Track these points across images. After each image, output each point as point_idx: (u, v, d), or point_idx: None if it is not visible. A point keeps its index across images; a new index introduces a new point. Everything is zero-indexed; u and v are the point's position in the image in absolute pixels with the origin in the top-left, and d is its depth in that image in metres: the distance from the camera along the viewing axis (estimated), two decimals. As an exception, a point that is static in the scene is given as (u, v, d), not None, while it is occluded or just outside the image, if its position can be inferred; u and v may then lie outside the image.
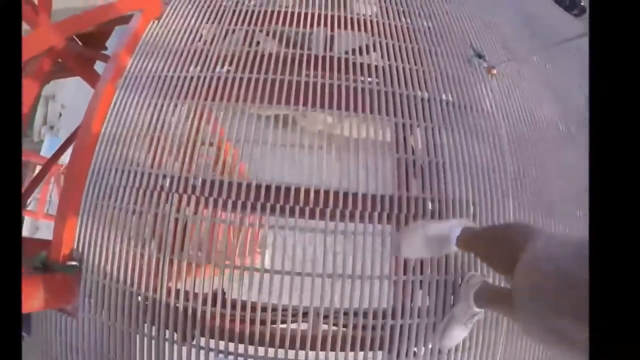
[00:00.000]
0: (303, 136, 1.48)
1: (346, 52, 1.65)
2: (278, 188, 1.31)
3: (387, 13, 1.78)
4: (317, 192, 1.33)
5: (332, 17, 1.74)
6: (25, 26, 1.74)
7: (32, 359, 1.60)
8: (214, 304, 1.30)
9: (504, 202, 1.61)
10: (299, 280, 1.32)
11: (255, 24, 1.69)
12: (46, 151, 5.07)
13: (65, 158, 2.68)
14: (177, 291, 1.31)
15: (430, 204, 1.44)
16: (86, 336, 1.44)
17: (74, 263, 1.39)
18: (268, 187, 1.31)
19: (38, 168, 4.66)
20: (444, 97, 1.60)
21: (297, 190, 1.33)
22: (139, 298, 1.35)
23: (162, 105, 1.45)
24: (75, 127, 2.50)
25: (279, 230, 1.32)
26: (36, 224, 4.95)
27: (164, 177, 1.33)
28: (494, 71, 1.72)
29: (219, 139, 1.42)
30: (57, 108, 5.48)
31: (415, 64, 1.62)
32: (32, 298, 1.34)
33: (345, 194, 1.35)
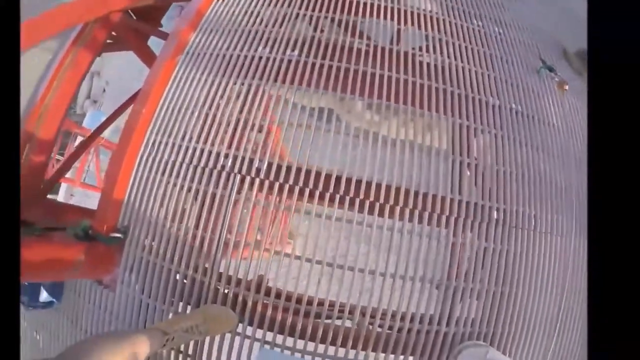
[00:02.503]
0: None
1: (413, 48, 1.59)
2: (346, 180, 1.25)
3: (457, 13, 1.72)
4: (378, 186, 1.27)
5: (400, 10, 1.69)
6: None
7: (60, 326, 1.57)
8: (261, 291, 1.24)
9: (565, 220, 1.53)
10: (346, 276, 1.25)
11: (321, 10, 1.64)
12: (87, 124, 5.17)
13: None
14: (228, 276, 1.25)
15: (495, 212, 1.36)
16: (121, 311, 1.39)
17: (118, 235, 1.35)
18: (338, 178, 1.25)
19: (79, 139, 4.77)
20: (514, 106, 1.52)
21: (359, 182, 1.26)
22: (185, 278, 1.30)
23: (226, 84, 1.40)
24: (120, 103, 2.50)
25: (338, 222, 1.26)
26: (71, 191, 5.05)
27: (226, 156, 1.27)
28: (566, 87, 1.63)
29: (281, 122, 1.36)
30: (101, 84, 5.59)
31: (487, 69, 1.55)
32: (71, 266, 1.30)
33: (409, 192, 1.29)
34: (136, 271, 1.35)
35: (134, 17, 2.08)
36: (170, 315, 1.32)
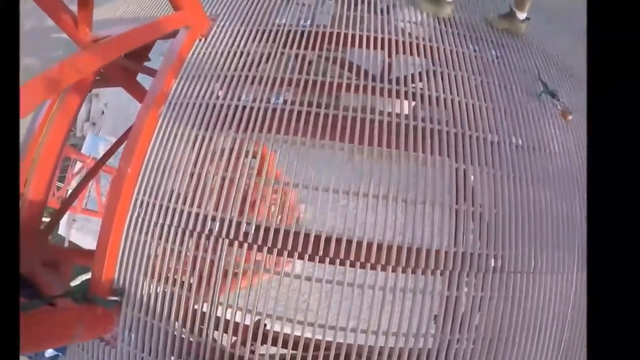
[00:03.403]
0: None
1: (404, 82, 1.51)
2: (337, 240, 1.22)
3: (452, 39, 1.61)
4: (361, 244, 1.23)
5: (390, 40, 1.59)
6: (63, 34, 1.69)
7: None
8: (258, 344, 1.25)
9: (566, 255, 1.48)
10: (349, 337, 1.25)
11: (306, 48, 1.56)
12: (87, 147, 5.25)
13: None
14: (224, 328, 1.26)
15: (492, 260, 1.32)
16: (124, 366, 1.43)
17: (114, 298, 1.36)
18: (327, 240, 1.22)
19: (78, 164, 4.84)
20: (513, 139, 1.44)
21: (352, 243, 1.23)
22: (182, 336, 1.31)
23: (210, 138, 1.37)
24: (117, 128, 2.48)
25: (333, 283, 1.24)
26: (74, 217, 5.16)
27: (213, 219, 1.25)
28: (570, 117, 1.53)
29: (275, 178, 1.32)
30: (100, 106, 5.61)
31: (485, 100, 1.46)
32: (72, 331, 1.33)
33: (401, 249, 1.25)
34: (134, 330, 1.37)
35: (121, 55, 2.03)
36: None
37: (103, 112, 5.54)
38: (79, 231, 5.15)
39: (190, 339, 1.30)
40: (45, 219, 2.01)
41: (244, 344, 1.29)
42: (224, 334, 1.31)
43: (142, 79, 2.11)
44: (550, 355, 1.45)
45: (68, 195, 2.66)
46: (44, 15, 1.63)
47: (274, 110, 1.37)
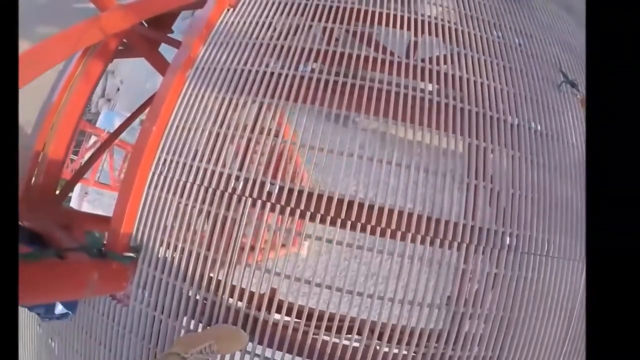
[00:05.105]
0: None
1: (427, 61, 1.53)
2: (359, 205, 1.23)
3: (476, 23, 1.64)
4: (382, 210, 1.25)
5: (416, 20, 1.62)
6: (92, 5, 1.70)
7: (75, 336, 1.61)
8: (273, 309, 1.26)
9: (578, 244, 1.50)
10: (355, 300, 1.26)
11: (335, 21, 1.58)
12: (102, 123, 5.23)
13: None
14: (239, 293, 1.26)
15: (508, 238, 1.34)
16: (134, 325, 1.42)
17: (130, 254, 1.37)
18: (350, 203, 1.23)
19: (92, 138, 4.84)
20: (532, 124, 1.47)
21: (373, 208, 1.24)
22: (197, 297, 1.31)
23: (237, 101, 1.38)
24: (132, 105, 2.49)
25: (342, 246, 1.25)
26: (86, 189, 5.15)
27: (237, 178, 1.26)
28: None
29: (293, 142, 1.34)
30: (116, 83, 5.60)
31: (507, 85, 1.49)
32: (86, 285, 1.32)
33: (421, 217, 1.27)
34: (149, 288, 1.37)
35: (145, 25, 2.04)
36: (182, 332, 1.34)
37: (118, 89, 5.54)
38: (90, 204, 5.13)
39: (205, 299, 1.30)
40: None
41: (259, 308, 1.30)
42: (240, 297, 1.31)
43: (165, 52, 2.12)
44: (558, 342, 1.47)
45: (83, 163, 2.65)
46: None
47: (302, 77, 1.39)
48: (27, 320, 1.84)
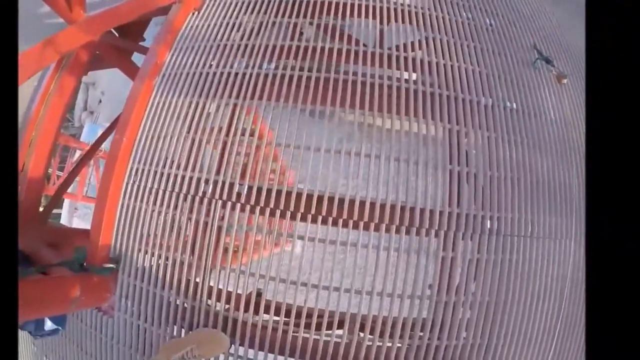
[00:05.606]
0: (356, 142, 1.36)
1: (397, 49, 1.50)
2: (329, 199, 1.22)
3: (444, 6, 1.61)
4: (362, 203, 1.23)
5: (382, 8, 1.59)
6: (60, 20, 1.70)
7: (67, 350, 1.63)
8: (251, 310, 1.25)
9: (564, 222, 1.46)
10: (341, 296, 1.24)
11: (298, 15, 1.56)
12: (86, 136, 5.27)
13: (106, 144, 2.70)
14: (217, 295, 1.26)
15: (488, 222, 1.31)
16: (121, 335, 1.43)
17: (110, 266, 1.37)
18: (319, 198, 1.21)
19: (77, 152, 4.89)
20: (507, 104, 1.43)
21: (348, 202, 1.23)
22: (177, 302, 1.31)
23: (204, 105, 1.37)
24: (115, 116, 2.51)
25: (323, 243, 1.23)
26: (75, 205, 5.20)
27: (206, 181, 1.26)
28: (565, 80, 1.52)
29: (267, 141, 1.32)
30: (97, 94, 5.63)
31: (479, 65, 1.45)
32: (70, 300, 1.33)
33: (394, 207, 1.24)
34: (130, 298, 1.38)
35: (116, 34, 2.05)
36: (167, 339, 1.35)
37: (100, 101, 5.57)
38: (81, 219, 5.19)
39: (185, 304, 1.30)
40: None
41: (237, 309, 1.29)
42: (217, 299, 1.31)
43: (138, 59, 2.12)
44: (549, 325, 1.43)
45: (66, 175, 2.67)
46: (36, 2, 1.65)
47: (266, 75, 1.37)
48: (22, 340, 1.87)
